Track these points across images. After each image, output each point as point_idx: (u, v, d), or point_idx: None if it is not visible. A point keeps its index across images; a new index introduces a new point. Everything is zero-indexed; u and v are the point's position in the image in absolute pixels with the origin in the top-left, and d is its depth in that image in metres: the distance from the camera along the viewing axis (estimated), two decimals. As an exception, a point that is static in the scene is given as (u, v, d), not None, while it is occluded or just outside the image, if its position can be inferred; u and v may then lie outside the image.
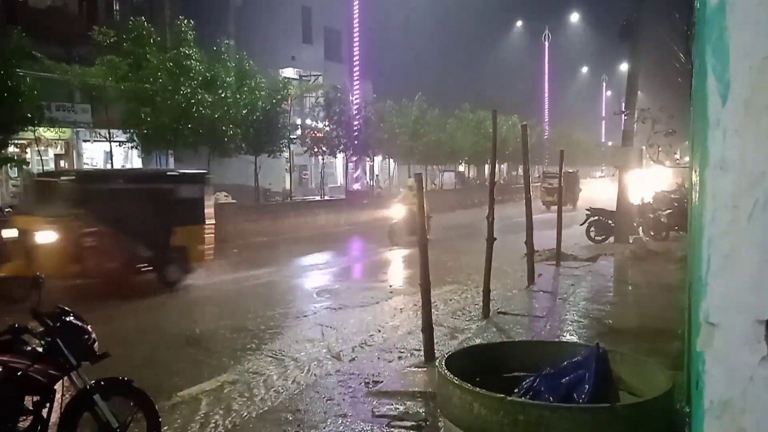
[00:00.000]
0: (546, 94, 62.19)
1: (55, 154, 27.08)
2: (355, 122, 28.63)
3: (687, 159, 10.14)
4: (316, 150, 28.34)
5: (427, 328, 6.38)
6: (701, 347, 1.48)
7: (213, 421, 5.35)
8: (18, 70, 15.70)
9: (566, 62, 70.39)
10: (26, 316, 3.93)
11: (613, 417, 3.42)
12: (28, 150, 23.07)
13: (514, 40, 65.97)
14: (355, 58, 32.55)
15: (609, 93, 77.91)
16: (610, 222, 16.56)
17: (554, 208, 21.43)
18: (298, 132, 29.18)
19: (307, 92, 29.78)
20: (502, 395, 3.48)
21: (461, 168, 47.56)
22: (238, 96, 20.83)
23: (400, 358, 6.73)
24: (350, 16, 33.14)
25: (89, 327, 4.06)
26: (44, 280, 3.96)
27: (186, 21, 20.05)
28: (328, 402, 5.33)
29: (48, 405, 3.81)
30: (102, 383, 4.03)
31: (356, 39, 32.44)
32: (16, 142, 20.26)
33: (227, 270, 13.53)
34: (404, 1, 43.84)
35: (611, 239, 16.38)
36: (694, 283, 1.95)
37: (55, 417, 3.90)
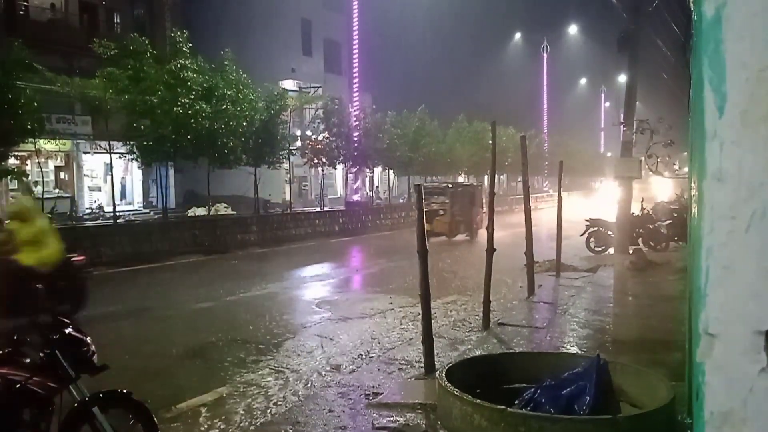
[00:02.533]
0: (545, 106, 62.37)
1: (55, 166, 27.19)
2: (355, 133, 28.72)
3: (686, 170, 10.17)
4: (315, 161, 28.40)
5: (427, 340, 6.36)
6: (701, 358, 1.48)
7: (212, 433, 5.33)
8: (19, 82, 15.77)
9: (565, 74, 70.68)
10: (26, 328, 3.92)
11: (614, 428, 3.41)
12: (28, 162, 23.14)
13: (513, 52, 66.28)
14: (354, 70, 32.69)
15: (608, 104, 78.22)
16: (609, 233, 16.57)
17: (438, 240, 19.97)
18: (298, 143, 29.26)
19: (306, 104, 29.91)
20: (503, 407, 3.48)
21: (461, 179, 47.62)
22: (237, 107, 20.91)
23: (400, 369, 6.71)
24: (350, 28, 33.30)
25: (88, 339, 4.04)
26: (43, 291, 3.95)
27: (181, 32, 20.15)
28: (328, 414, 5.31)
29: (46, 417, 3.78)
30: (101, 395, 4.00)
31: (356, 51, 32.59)
32: (16, 153, 20.34)
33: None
34: (404, 13, 44.12)
35: (611, 250, 16.38)
36: (694, 293, 1.95)
37: (53, 430, 3.87)
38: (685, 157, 15.59)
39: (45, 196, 20.84)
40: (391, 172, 35.90)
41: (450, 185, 23.90)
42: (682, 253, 13.39)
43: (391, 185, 37.88)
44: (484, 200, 22.79)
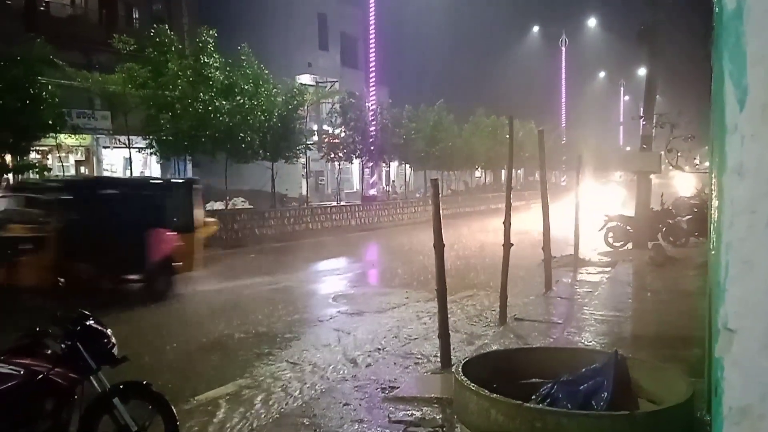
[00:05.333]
0: (563, 99, 61.87)
1: (75, 161, 27.50)
2: (371, 128, 28.71)
3: (707, 164, 10.05)
4: (332, 156, 28.45)
5: (444, 334, 6.36)
6: (720, 353, 1.47)
7: (230, 425, 5.38)
8: (40, 77, 15.96)
9: (583, 67, 70.00)
10: (48, 320, 3.99)
11: (632, 425, 3.38)
12: (49, 156, 23.43)
13: (530, 45, 65.74)
14: (371, 64, 32.66)
15: (627, 98, 77.39)
16: (628, 228, 16.40)
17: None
18: (315, 138, 29.35)
19: (323, 98, 29.96)
20: (519, 402, 3.46)
21: (477, 173, 47.51)
22: (255, 102, 20.99)
23: (416, 363, 6.72)
24: (366, 22, 33.24)
25: (109, 331, 4.10)
26: (66, 285, 4.01)
27: (208, 30, 20.25)
28: (345, 407, 5.34)
29: (68, 408, 3.85)
30: (121, 387, 4.07)
31: (372, 45, 32.54)
32: (37, 148, 20.58)
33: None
34: (420, 6, 43.95)
35: (630, 245, 16.21)
36: (713, 288, 1.93)
37: (75, 420, 3.94)
38: (707, 151, 15.40)
39: (66, 190, 21.05)
40: (407, 166, 35.85)
41: (63, 184, 12.37)
42: (703, 248, 13.23)
43: (407, 180, 37.83)
44: (200, 210, 12.80)
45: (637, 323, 8.14)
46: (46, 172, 19.91)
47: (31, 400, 3.69)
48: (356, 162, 31.61)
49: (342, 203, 28.56)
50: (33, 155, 19.48)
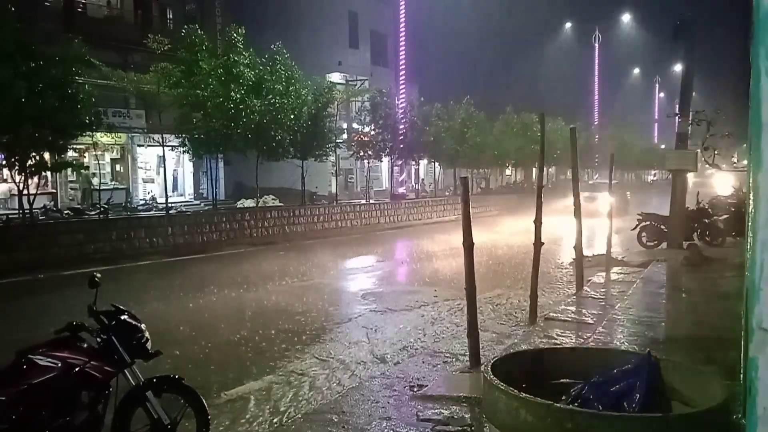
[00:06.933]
0: (596, 96, 60.97)
1: (111, 159, 28.09)
2: (401, 126, 28.70)
3: (745, 162, 9.80)
4: (361, 154, 28.52)
5: (473, 333, 6.33)
6: (754, 353, 1.44)
7: (260, 419, 5.45)
8: (77, 77, 16.32)
9: (617, 63, 68.90)
10: (84, 315, 4.09)
11: (665, 428, 3.32)
12: (86, 154, 23.96)
13: (563, 41, 64.93)
14: (401, 62, 32.61)
15: (662, 95, 75.99)
16: (662, 227, 16.10)
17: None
18: (344, 136, 29.43)
19: (353, 96, 30.02)
20: (550, 402, 3.43)
21: (508, 172, 47.13)
22: (285, 101, 21.16)
23: (445, 362, 6.71)
24: (396, 20, 33.21)
25: (143, 326, 4.19)
26: (101, 279, 4.10)
27: (237, 28, 20.47)
28: (373, 404, 5.35)
29: (103, 400, 3.94)
30: (154, 380, 4.15)
31: (402, 43, 32.50)
32: (75, 146, 21.08)
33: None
34: (450, 4, 43.74)
35: (664, 245, 15.92)
36: (749, 287, 1.90)
37: (109, 412, 4.03)
38: (745, 149, 15.02)
39: (102, 187, 21.59)
40: (436, 164, 35.76)
41: None
42: (740, 248, 12.91)
43: (436, 178, 37.73)
44: None
45: (671, 324, 8.00)
46: (83, 170, 20.42)
47: (68, 392, 3.79)
48: (385, 160, 31.63)
49: (371, 201, 28.61)
50: (70, 153, 19.93)
